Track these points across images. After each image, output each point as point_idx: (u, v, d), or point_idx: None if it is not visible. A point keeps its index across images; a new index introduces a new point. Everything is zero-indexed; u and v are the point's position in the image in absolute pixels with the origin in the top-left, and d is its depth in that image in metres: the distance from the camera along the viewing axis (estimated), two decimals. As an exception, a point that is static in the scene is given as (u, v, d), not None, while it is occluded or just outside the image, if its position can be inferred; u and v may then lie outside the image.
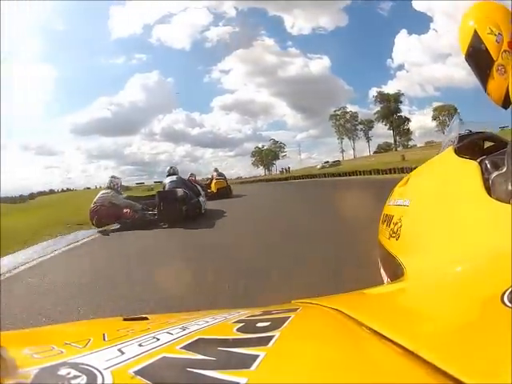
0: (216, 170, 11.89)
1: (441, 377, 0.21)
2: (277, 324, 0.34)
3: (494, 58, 0.55)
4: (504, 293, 0.28)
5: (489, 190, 0.51)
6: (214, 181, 10.51)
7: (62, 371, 0.25)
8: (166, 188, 6.11)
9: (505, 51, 0.54)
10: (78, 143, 62.86)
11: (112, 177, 6.20)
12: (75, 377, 0.24)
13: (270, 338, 0.30)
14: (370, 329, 0.30)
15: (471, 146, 0.69)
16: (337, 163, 35.31)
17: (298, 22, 51.32)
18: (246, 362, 0.25)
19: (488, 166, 0.55)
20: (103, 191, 5.93)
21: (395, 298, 0.47)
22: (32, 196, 44.72)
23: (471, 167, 0.58)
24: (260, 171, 48.94)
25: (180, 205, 5.32)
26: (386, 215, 0.91)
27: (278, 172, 44.33)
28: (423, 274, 0.50)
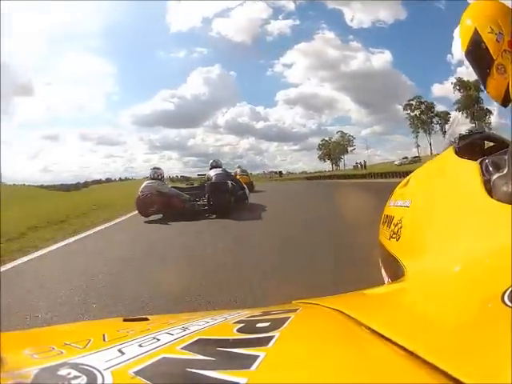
0: (239, 167, 13.07)
1: (441, 377, 0.21)
2: (277, 324, 0.34)
3: (494, 57, 0.55)
4: (504, 293, 0.28)
5: (489, 190, 0.50)
6: (238, 176, 10.91)
7: (62, 371, 0.25)
8: (213, 180, 6.11)
9: (505, 50, 0.54)
10: (141, 134, 64.09)
11: (154, 168, 6.20)
12: (75, 377, 0.24)
13: (270, 338, 0.30)
14: (370, 329, 0.30)
15: (472, 147, 0.69)
16: (416, 159, 32.03)
17: (357, 15, 49.81)
18: (246, 362, 0.25)
19: (488, 166, 0.55)
20: (148, 181, 5.92)
21: (395, 299, 0.47)
22: (86, 184, 46.47)
23: (471, 168, 0.58)
24: (325, 166, 45.24)
25: (229, 196, 5.41)
26: (387, 216, 0.91)
27: (348, 167, 40.60)
28: (424, 275, 0.50)
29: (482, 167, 0.56)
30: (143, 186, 5.79)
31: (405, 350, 0.25)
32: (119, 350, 0.29)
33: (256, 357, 0.26)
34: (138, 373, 0.24)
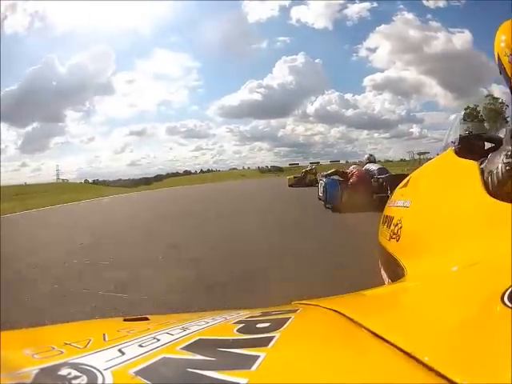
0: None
1: (439, 378, 0.21)
2: (277, 325, 0.34)
3: (510, 76, 0.60)
4: (504, 292, 0.28)
5: (488, 190, 0.51)
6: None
7: (63, 371, 0.25)
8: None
9: None
10: (230, 126, 64.18)
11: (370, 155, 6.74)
12: (76, 377, 0.24)
13: (271, 338, 0.30)
14: (368, 330, 0.30)
15: (471, 147, 0.69)
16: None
17: None
18: (246, 362, 0.25)
19: (488, 166, 0.55)
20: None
21: (395, 300, 0.47)
22: (158, 178, 48.30)
23: (471, 168, 0.58)
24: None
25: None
26: (387, 216, 0.91)
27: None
28: (424, 275, 0.50)
29: (481, 167, 0.56)
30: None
31: (403, 351, 0.25)
32: (119, 350, 0.29)
33: (256, 357, 0.26)
34: (138, 373, 0.24)
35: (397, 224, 0.77)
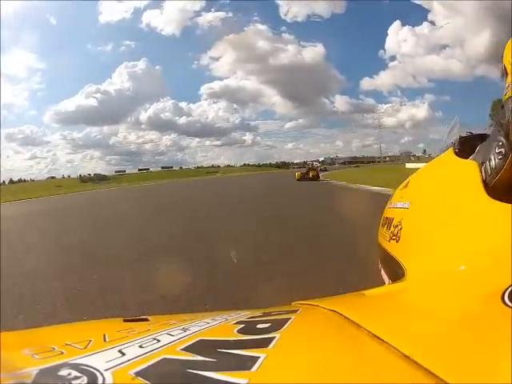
0: (317, 160, 27.85)
1: (439, 380, 0.21)
2: (277, 326, 0.34)
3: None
4: (504, 292, 0.28)
5: (488, 190, 0.51)
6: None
7: (63, 372, 0.25)
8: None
9: None
10: (64, 133, 62.97)
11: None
12: (76, 377, 0.24)
13: (271, 339, 0.30)
14: (368, 332, 0.30)
15: (471, 148, 0.69)
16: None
17: (292, 9, 50.06)
18: (246, 363, 0.25)
19: (487, 166, 0.55)
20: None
21: (395, 301, 0.47)
22: None
23: (471, 168, 0.58)
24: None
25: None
26: (386, 218, 0.91)
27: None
28: (424, 276, 0.50)
29: (480, 167, 0.56)
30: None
31: (402, 353, 0.25)
32: (120, 351, 0.29)
33: (257, 358, 0.26)
34: (138, 373, 0.24)
35: (397, 225, 0.77)
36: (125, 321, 0.46)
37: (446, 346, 0.26)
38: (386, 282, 0.77)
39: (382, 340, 0.28)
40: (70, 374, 0.24)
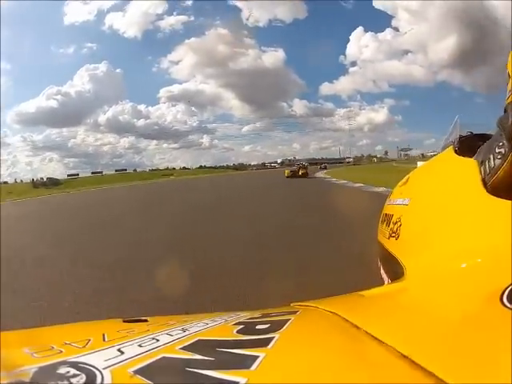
0: (302, 162, 30.39)
1: (438, 380, 0.21)
2: (277, 326, 0.34)
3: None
4: (503, 292, 0.28)
5: (488, 188, 0.51)
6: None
7: (61, 370, 0.25)
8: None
9: None
10: (25, 134, 62.17)
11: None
12: (74, 375, 0.24)
13: (270, 339, 0.30)
14: (367, 333, 0.30)
15: (471, 146, 0.69)
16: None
17: (255, 14, 50.15)
18: (245, 362, 0.25)
19: (486, 165, 0.55)
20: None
21: (393, 301, 0.47)
22: None
23: (470, 165, 0.58)
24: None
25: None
26: (386, 215, 0.91)
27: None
28: (423, 274, 0.50)
29: (480, 165, 0.56)
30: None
31: (401, 353, 0.25)
32: (119, 350, 0.29)
33: (256, 357, 0.26)
34: (137, 372, 0.24)
35: (396, 222, 0.77)
36: (124, 321, 0.46)
37: (445, 346, 0.26)
38: (385, 281, 0.77)
39: (380, 340, 0.28)
40: (68, 372, 0.24)
